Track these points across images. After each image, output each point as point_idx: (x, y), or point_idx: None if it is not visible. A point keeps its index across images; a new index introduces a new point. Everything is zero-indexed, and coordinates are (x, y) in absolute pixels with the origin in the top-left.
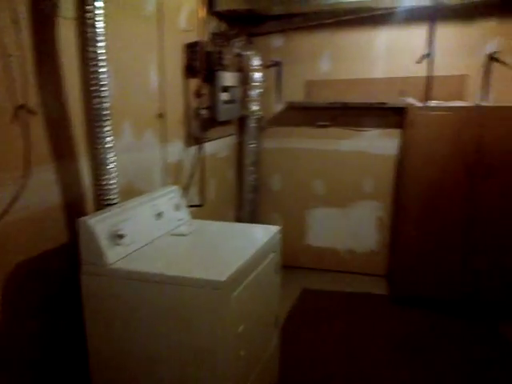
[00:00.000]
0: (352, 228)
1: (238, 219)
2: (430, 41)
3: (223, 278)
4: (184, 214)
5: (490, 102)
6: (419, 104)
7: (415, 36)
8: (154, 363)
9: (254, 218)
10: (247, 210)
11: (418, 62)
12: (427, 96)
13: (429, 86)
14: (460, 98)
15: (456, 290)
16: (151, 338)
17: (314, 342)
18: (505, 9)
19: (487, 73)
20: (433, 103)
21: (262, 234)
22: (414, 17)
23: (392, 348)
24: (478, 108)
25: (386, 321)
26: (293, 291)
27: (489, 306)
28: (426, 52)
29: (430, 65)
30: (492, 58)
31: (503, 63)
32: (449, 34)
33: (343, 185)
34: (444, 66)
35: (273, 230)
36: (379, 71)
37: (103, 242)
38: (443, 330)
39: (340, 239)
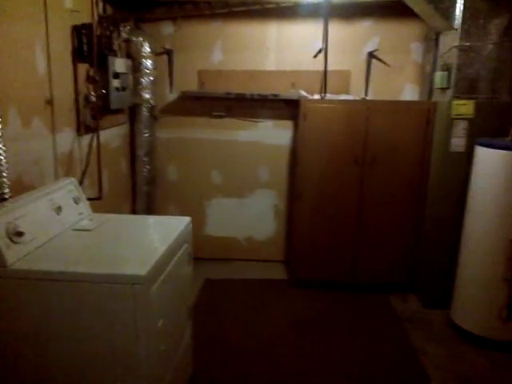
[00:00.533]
0: (250, 217)
1: (134, 212)
2: (324, 36)
3: (143, 272)
4: (84, 207)
5: (370, 96)
6: (311, 97)
7: (307, 31)
8: (73, 369)
9: (150, 210)
10: (143, 202)
11: (315, 56)
12: (318, 89)
13: (320, 79)
14: (346, 92)
15: (349, 271)
16: (67, 342)
17: (221, 328)
18: (381, 10)
19: (368, 69)
20: (323, 96)
21: (173, 226)
22: (306, 12)
23: (292, 324)
24: (363, 102)
25: (286, 302)
26: (195, 283)
27: (379, 284)
28: (320, 47)
29: (323, 59)
30: (372, 56)
31: (381, 60)
32: (337, 31)
33: (240, 175)
34: (333, 62)
35: (185, 220)
36: (272, 64)
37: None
38: (339, 305)
39: (239, 228)
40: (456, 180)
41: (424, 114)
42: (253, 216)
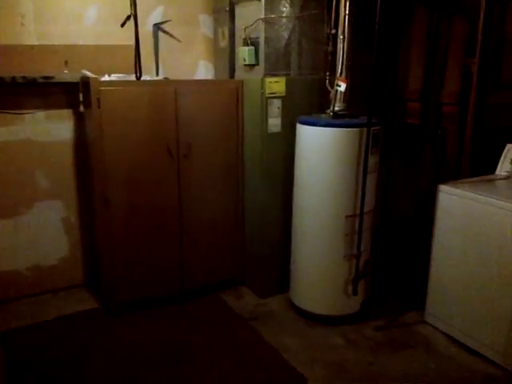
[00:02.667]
0: (32, 239)
1: None
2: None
3: None
4: None
5: (161, 75)
6: (98, 78)
7: None
8: None
9: None
10: None
11: (122, 25)
12: (103, 68)
13: (103, 56)
14: (132, 71)
15: (177, 280)
16: None
17: None
18: None
19: (156, 44)
20: (113, 77)
21: None
22: None
23: (127, 367)
24: (170, 82)
25: (109, 340)
26: None
27: (211, 285)
28: (129, 14)
29: (98, 30)
30: (159, 28)
31: (168, 34)
32: None
33: (9, 187)
34: (115, 35)
35: None
36: (32, 36)
37: None
38: (175, 325)
39: (18, 257)
40: (276, 161)
41: (233, 93)
42: (35, 237)
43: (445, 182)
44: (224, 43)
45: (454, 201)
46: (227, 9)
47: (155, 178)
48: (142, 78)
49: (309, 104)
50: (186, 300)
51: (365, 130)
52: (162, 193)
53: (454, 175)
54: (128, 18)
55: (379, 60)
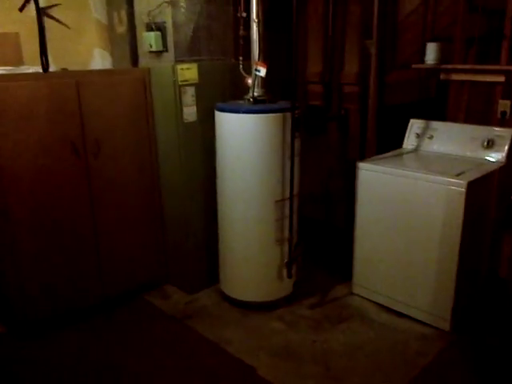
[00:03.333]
0: None
1: None
2: None
3: None
4: None
5: (53, 67)
6: None
7: None
8: None
9: None
10: None
11: (21, 9)
12: None
13: None
14: (19, 62)
15: (96, 289)
16: None
17: None
18: None
19: (41, 31)
20: (0, 70)
21: None
22: None
23: None
24: (70, 73)
25: (23, 364)
26: None
27: (135, 290)
28: None
29: None
30: (45, 14)
31: (56, 19)
32: None
33: None
34: None
35: None
36: None
37: None
38: (104, 342)
39: None
40: (195, 151)
41: (141, 83)
42: None
43: (358, 158)
44: (122, 29)
45: (373, 176)
46: None
47: (62, 181)
48: (30, 70)
49: (222, 90)
50: (111, 308)
51: (287, 114)
52: (71, 197)
53: (360, 151)
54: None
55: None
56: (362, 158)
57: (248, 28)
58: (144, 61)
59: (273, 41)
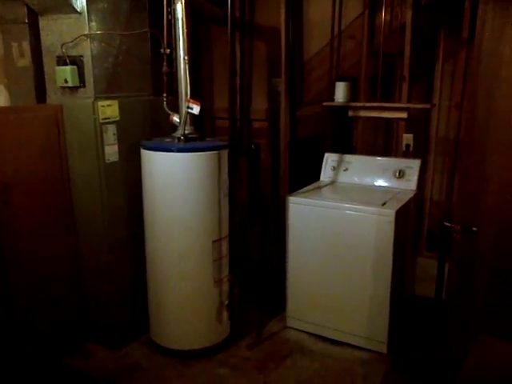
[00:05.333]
0: None
1: None
2: None
3: None
4: None
5: None
6: None
7: None
8: None
9: None
10: None
11: None
12: None
13: None
14: None
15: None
16: None
17: None
18: None
19: None
20: None
21: None
22: None
23: None
24: None
25: None
26: None
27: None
28: None
29: None
30: None
31: None
32: None
33: None
34: None
35: None
36: None
37: None
38: None
39: None
40: (118, 193)
41: (52, 121)
42: None
43: (268, 194)
44: (23, 62)
45: (303, 209)
46: (26, 21)
47: None
48: None
49: (143, 128)
50: (29, 378)
51: (223, 151)
52: None
53: (272, 186)
54: None
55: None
56: (276, 192)
57: (171, 65)
58: (54, 97)
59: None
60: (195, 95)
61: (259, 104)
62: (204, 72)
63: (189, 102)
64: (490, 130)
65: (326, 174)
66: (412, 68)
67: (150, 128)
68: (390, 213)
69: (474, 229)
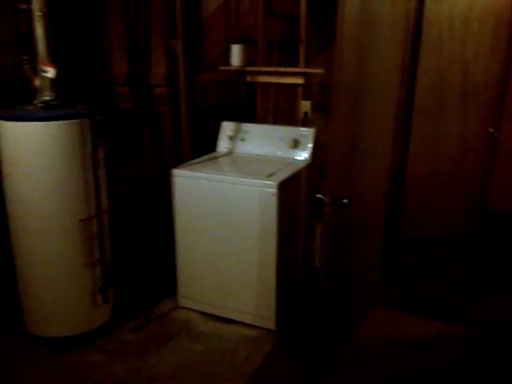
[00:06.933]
0: None
1: None
2: None
3: None
4: None
5: None
6: None
7: None
8: None
9: None
10: None
11: None
12: None
13: None
14: None
15: None
16: None
17: None
18: None
19: None
20: None
21: None
22: None
23: None
24: None
25: None
26: None
27: None
28: None
29: None
30: None
31: None
32: None
33: None
34: None
35: None
36: None
37: None
38: None
39: None
40: None
41: None
42: None
43: (173, 164)
44: None
45: (189, 182)
46: None
47: None
48: None
49: (6, 94)
50: None
51: (85, 120)
52: None
53: (176, 156)
54: None
55: (80, 41)
56: (180, 163)
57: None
58: None
59: (71, 38)
60: (93, 59)
61: (158, 68)
62: (101, 35)
63: (43, 64)
64: None
65: (222, 144)
66: (310, 30)
67: (12, 94)
68: (272, 185)
69: (345, 201)
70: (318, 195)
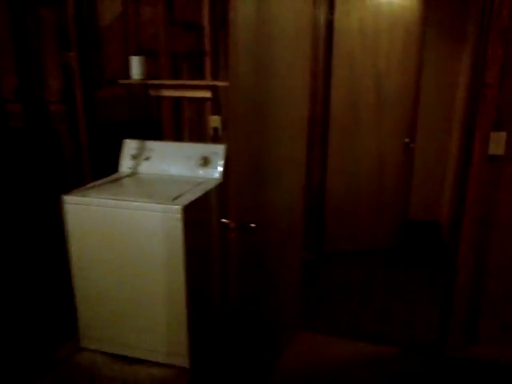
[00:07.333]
0: None
1: None
2: None
3: None
4: None
5: None
6: None
7: None
8: None
9: None
10: None
11: None
12: None
13: None
14: None
15: None
16: None
17: None
18: None
19: None
20: None
21: None
22: None
23: None
24: None
25: None
26: None
27: None
28: None
29: None
30: None
31: None
32: None
33: None
34: None
35: None
36: None
37: None
38: None
39: None
40: None
41: None
42: None
43: (68, 191)
44: None
45: (83, 210)
46: None
47: None
48: None
49: None
50: None
51: None
52: None
53: (77, 180)
54: None
55: None
56: (80, 186)
57: None
58: None
59: None
60: None
61: (54, 82)
62: None
63: None
64: None
65: (125, 164)
66: (221, 42)
67: None
68: (176, 209)
69: (253, 225)
70: (223, 220)
